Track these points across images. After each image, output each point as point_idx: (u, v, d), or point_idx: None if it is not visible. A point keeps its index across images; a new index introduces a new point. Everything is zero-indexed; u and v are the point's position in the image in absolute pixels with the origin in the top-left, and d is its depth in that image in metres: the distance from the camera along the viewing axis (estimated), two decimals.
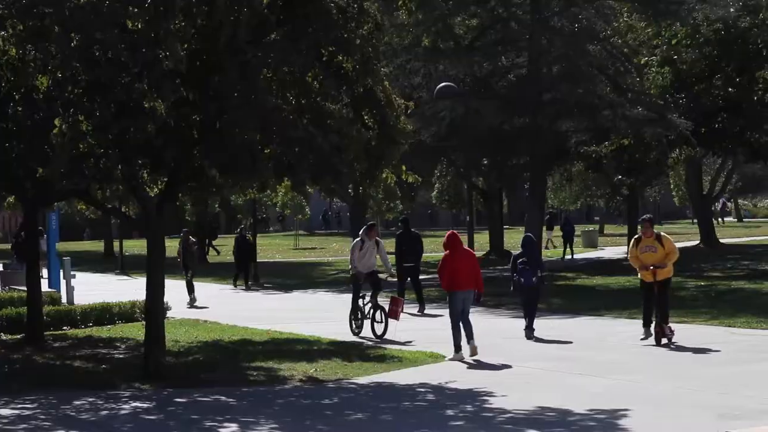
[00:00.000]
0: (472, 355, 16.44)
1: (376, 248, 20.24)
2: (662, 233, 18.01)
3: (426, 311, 23.75)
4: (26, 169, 15.95)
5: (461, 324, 16.68)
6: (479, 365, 15.97)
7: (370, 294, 19.71)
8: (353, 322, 19.96)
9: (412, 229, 25.55)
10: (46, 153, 13.72)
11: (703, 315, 21.29)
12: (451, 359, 16.43)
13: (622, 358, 16.17)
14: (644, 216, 18.51)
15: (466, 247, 17.48)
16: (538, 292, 19.21)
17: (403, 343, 18.19)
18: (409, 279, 24.64)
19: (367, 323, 19.61)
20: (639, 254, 17.80)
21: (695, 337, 18.18)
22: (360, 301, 19.97)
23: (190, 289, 27.16)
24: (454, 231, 17.78)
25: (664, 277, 17.74)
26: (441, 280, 17.07)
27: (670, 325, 17.66)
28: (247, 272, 33.62)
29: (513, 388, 13.71)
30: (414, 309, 23.57)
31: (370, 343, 18.36)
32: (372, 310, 19.45)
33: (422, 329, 20.39)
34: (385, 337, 19.02)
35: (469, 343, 16.60)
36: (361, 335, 19.55)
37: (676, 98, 35.01)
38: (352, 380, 14.74)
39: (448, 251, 16.86)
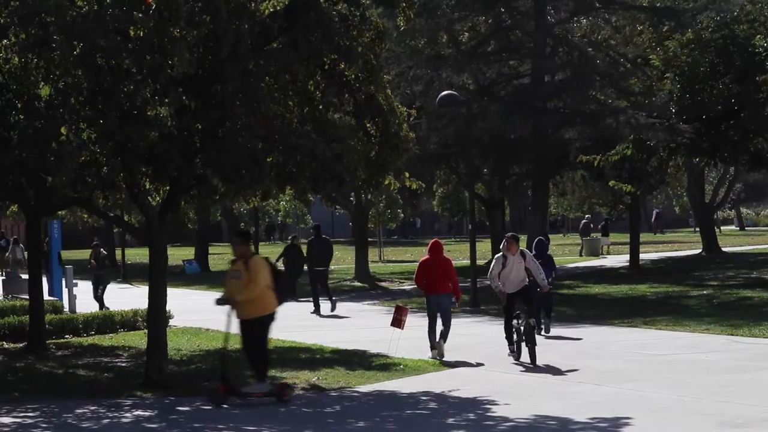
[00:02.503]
0: (438, 356, 17.44)
1: (522, 261, 17.42)
2: (256, 256, 13.90)
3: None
4: (28, 177, 15.94)
5: (442, 324, 17.84)
6: (481, 374, 15.97)
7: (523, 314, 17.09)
8: (509, 347, 17.31)
9: (323, 236, 28.16)
10: (49, 161, 13.72)
11: (705, 323, 21.28)
12: (431, 357, 17.49)
13: (624, 366, 16.16)
14: (238, 228, 14.89)
15: (445, 254, 18.50)
16: (552, 291, 20.44)
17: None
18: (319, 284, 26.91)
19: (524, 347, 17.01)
20: (227, 281, 13.71)
21: (697, 345, 18.18)
22: (515, 322, 17.22)
23: (101, 305, 26.44)
24: (438, 239, 18.85)
25: (249, 316, 13.28)
26: (418, 284, 18.36)
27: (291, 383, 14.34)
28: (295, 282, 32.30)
29: (515, 396, 13.70)
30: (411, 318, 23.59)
31: (372, 351, 18.32)
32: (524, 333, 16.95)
33: (424, 337, 20.36)
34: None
35: (437, 341, 17.64)
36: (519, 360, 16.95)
37: (681, 103, 34.89)
38: (354, 388, 14.73)
39: (428, 256, 17.99)
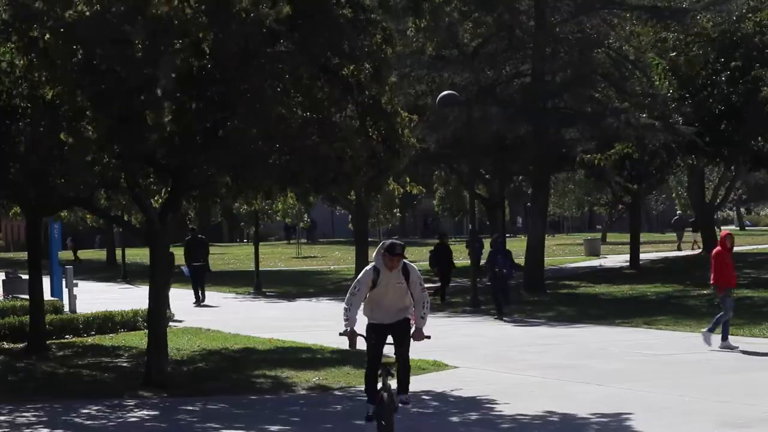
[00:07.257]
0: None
1: (404, 282, 11.12)
2: None
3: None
4: (29, 177, 15.94)
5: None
6: (483, 374, 15.98)
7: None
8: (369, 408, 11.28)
9: (200, 236, 33.01)
10: (54, 164, 13.72)
11: (705, 323, 21.25)
12: (721, 347, 17.72)
13: (625, 366, 16.19)
14: None
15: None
16: (510, 279, 25.11)
17: None
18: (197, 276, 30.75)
19: None
20: None
21: (698, 345, 18.19)
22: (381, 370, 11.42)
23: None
24: (729, 232, 19.03)
25: None
26: (715, 275, 18.51)
27: None
28: (446, 283, 29.61)
29: (517, 396, 13.72)
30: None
31: None
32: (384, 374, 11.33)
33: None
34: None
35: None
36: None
37: (680, 102, 34.92)
38: (356, 387, 14.73)
39: (721, 249, 18.35)
